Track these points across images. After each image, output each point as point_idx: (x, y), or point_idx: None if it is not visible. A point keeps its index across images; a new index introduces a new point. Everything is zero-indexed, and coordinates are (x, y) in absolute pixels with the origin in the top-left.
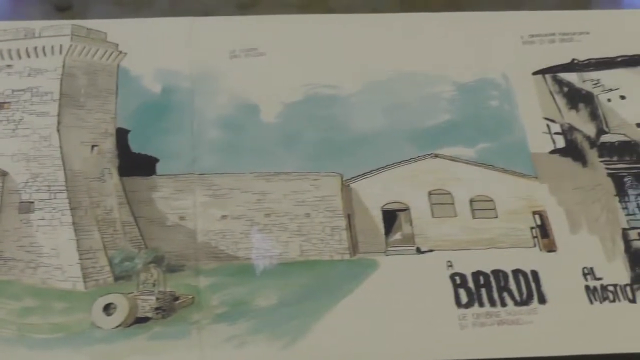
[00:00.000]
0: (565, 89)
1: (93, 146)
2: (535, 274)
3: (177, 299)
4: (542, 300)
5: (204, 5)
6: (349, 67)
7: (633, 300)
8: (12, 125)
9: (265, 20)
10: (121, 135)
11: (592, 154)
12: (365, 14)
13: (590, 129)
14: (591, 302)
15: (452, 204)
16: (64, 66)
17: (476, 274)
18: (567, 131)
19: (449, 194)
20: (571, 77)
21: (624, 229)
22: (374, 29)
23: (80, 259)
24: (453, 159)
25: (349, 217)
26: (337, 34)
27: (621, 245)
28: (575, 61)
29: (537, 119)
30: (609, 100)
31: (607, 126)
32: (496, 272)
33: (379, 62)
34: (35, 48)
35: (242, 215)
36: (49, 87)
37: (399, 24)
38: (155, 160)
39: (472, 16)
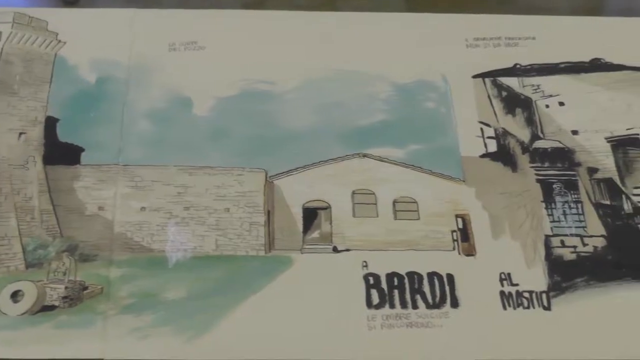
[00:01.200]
0: (504, 94)
1: (20, 134)
2: (451, 277)
3: (86, 288)
4: (454, 304)
5: (210, 3)
6: (289, 63)
7: (548, 308)
8: None
9: (208, 15)
10: (50, 124)
11: (523, 160)
12: (311, 11)
13: (524, 135)
14: (505, 308)
15: (375, 204)
16: (1, 53)
17: (391, 275)
18: (501, 136)
19: (373, 194)
20: (512, 81)
21: (547, 236)
22: (317, 26)
23: None
24: (381, 159)
25: (269, 214)
26: (280, 30)
27: (542, 252)
28: (518, 66)
29: (472, 123)
30: (547, 106)
31: (542, 132)
32: (411, 274)
33: (319, 60)
34: None
35: (160, 208)
36: None
37: (345, 22)
38: (81, 149)
39: (418, 17)
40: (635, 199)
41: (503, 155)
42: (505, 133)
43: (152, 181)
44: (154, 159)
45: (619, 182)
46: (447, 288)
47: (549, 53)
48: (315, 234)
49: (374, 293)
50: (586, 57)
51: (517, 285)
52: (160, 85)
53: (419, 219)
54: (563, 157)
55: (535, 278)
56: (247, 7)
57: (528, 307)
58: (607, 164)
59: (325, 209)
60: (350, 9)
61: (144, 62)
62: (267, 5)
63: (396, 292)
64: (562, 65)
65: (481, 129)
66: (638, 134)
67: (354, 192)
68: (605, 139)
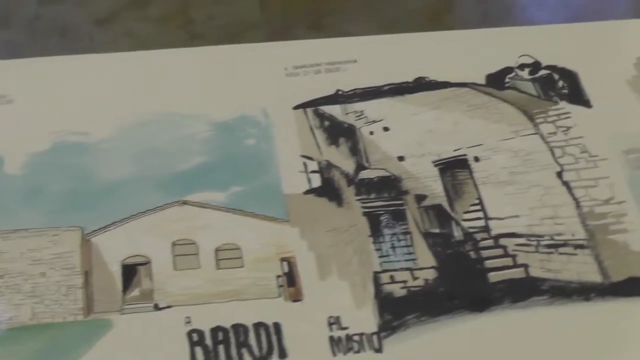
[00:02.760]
0: (327, 123)
1: None
2: (277, 326)
3: None
4: (282, 354)
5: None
6: (102, 110)
7: (379, 350)
8: None
9: (17, 65)
10: None
11: (349, 192)
12: (123, 52)
13: (349, 165)
14: (334, 354)
15: (197, 254)
16: None
17: (215, 330)
18: (325, 169)
19: (194, 243)
20: (335, 109)
21: (376, 272)
22: (132, 68)
23: None
24: (202, 205)
25: (87, 274)
26: (93, 75)
27: (372, 291)
28: (340, 92)
29: (294, 157)
30: (371, 132)
31: (367, 161)
32: (237, 327)
33: (135, 104)
34: None
35: None
36: None
37: (159, 60)
38: None
39: (234, 49)
40: (465, 224)
41: (328, 190)
42: (330, 165)
43: None
44: None
45: (448, 208)
46: (274, 338)
47: (372, 75)
48: (135, 292)
49: (199, 351)
50: (410, 77)
51: (346, 328)
52: None
53: (242, 266)
54: (390, 186)
55: (366, 319)
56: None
57: (359, 351)
58: (436, 189)
59: (145, 264)
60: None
61: None
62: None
63: (221, 347)
64: (386, 88)
65: (304, 163)
66: (466, 155)
67: (174, 244)
68: (433, 162)
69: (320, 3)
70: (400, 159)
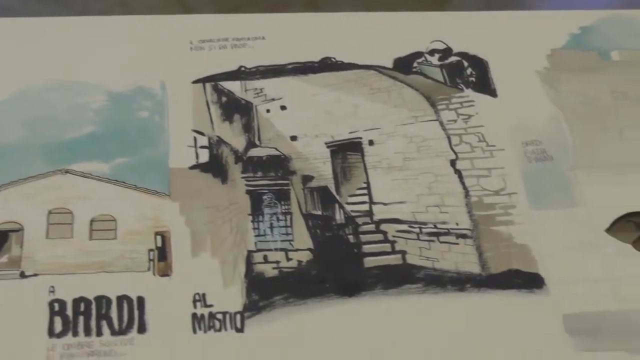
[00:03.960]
0: (224, 99)
1: None
2: (141, 300)
3: None
4: (142, 329)
5: None
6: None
7: (241, 330)
8: None
9: None
10: None
11: (235, 170)
12: (25, 18)
13: (240, 143)
14: (195, 332)
15: (71, 223)
16: None
17: (78, 301)
18: (215, 145)
19: (70, 212)
20: (235, 86)
21: (250, 252)
22: (32, 33)
23: None
24: (84, 175)
25: None
26: None
27: (243, 270)
28: (243, 68)
29: (186, 132)
30: (268, 111)
31: (259, 139)
32: (100, 299)
33: (33, 70)
34: None
35: None
36: None
37: (62, 28)
38: None
39: (140, 20)
40: (348, 208)
41: (214, 166)
42: (220, 142)
43: None
44: None
45: (333, 191)
46: (136, 312)
47: (279, 53)
48: (4, 259)
49: (58, 321)
50: (317, 57)
51: (211, 306)
52: None
53: (115, 238)
54: (278, 165)
55: (232, 298)
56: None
57: (220, 330)
58: (324, 171)
59: (17, 231)
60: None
61: None
62: None
63: (81, 318)
64: (290, 66)
65: (195, 138)
66: (360, 138)
67: (50, 212)
68: (326, 144)
69: None
70: (293, 138)
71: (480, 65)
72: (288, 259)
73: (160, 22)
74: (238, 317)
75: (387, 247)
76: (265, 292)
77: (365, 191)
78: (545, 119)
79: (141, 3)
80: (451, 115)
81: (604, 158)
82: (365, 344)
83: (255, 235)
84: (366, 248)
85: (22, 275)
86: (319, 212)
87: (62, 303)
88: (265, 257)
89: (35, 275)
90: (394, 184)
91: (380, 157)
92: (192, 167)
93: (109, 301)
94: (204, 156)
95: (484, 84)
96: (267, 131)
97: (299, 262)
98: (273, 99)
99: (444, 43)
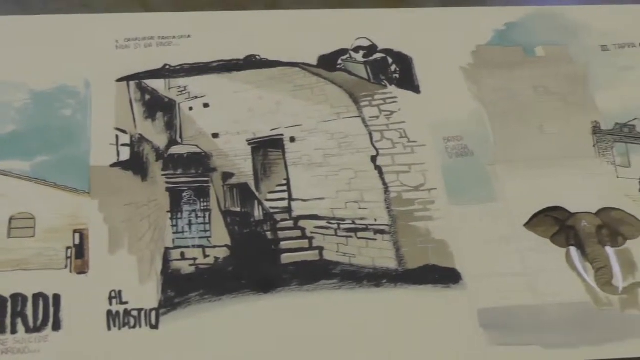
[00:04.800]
0: (147, 97)
1: None
2: (57, 297)
3: None
4: (56, 326)
5: None
6: None
7: (155, 327)
8: None
9: None
10: None
11: (156, 167)
12: None
13: (162, 140)
14: (109, 329)
15: None
16: None
17: None
18: (136, 143)
19: None
20: (159, 84)
21: (167, 249)
22: None
23: None
24: (4, 173)
25: None
26: None
27: (159, 267)
28: (167, 66)
29: (108, 130)
30: (190, 108)
31: (181, 137)
32: (16, 296)
33: None
34: None
35: None
36: None
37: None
38: None
39: (67, 19)
40: (267, 204)
41: (135, 164)
42: (142, 139)
43: None
44: None
45: (253, 187)
46: (51, 310)
47: (204, 51)
48: None
49: None
50: (242, 55)
51: (126, 303)
52: None
53: (33, 236)
54: (198, 162)
55: (148, 295)
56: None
57: (135, 327)
58: (244, 168)
59: None
60: None
61: None
62: None
63: None
64: (215, 64)
65: (117, 136)
66: (282, 135)
67: None
68: (247, 141)
69: None
70: (215, 136)
71: (404, 61)
72: (205, 256)
73: (86, 21)
74: (153, 313)
75: (304, 243)
76: (181, 288)
77: (284, 188)
78: (468, 114)
79: (103, 3)
80: (374, 111)
81: (525, 153)
82: (280, 340)
83: (174, 232)
84: (284, 244)
85: None
86: (238, 209)
87: None
88: (182, 254)
89: None
90: (314, 180)
91: (301, 154)
92: (113, 165)
93: (24, 299)
94: (125, 154)
95: (408, 81)
96: (189, 129)
97: (216, 258)
98: (196, 97)
99: (369, 40)
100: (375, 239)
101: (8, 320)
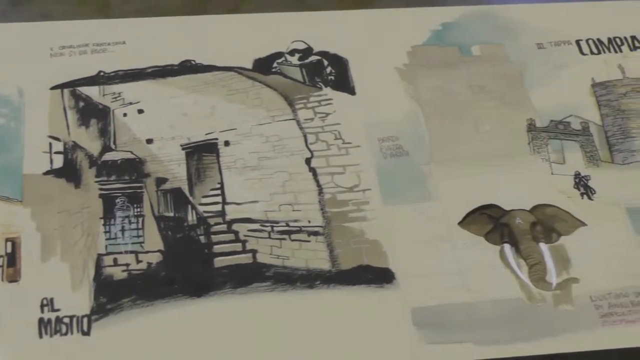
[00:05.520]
0: (81, 104)
1: None
2: None
3: None
4: None
5: None
6: None
7: (87, 333)
8: None
9: None
10: None
11: (89, 174)
12: None
13: (95, 147)
14: (41, 336)
15: None
16: None
17: None
18: (70, 150)
19: None
20: (93, 91)
21: (100, 255)
22: None
23: None
24: None
25: None
26: None
27: (92, 273)
28: (102, 73)
29: (42, 138)
30: (125, 114)
31: (114, 143)
32: None
33: None
34: None
35: None
36: None
37: None
38: None
39: (1, 28)
40: (201, 208)
41: (68, 171)
42: (75, 146)
43: None
44: None
45: (187, 192)
46: None
47: (139, 57)
48: None
49: None
50: (177, 60)
51: (58, 310)
52: None
53: None
54: (132, 168)
55: (80, 302)
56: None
57: (66, 334)
58: (178, 173)
59: None
60: None
61: None
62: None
63: None
64: (149, 70)
65: (50, 143)
66: (217, 139)
67: None
68: (181, 146)
69: None
70: (149, 141)
71: (340, 63)
72: (138, 261)
73: (21, 29)
74: (85, 320)
75: (238, 246)
76: (113, 294)
77: (218, 192)
78: (403, 115)
79: (63, 13)
80: (309, 113)
81: (460, 152)
82: (213, 343)
83: (107, 239)
84: (217, 248)
85: None
86: (172, 214)
87: None
88: (115, 260)
89: None
90: (248, 183)
91: (235, 158)
92: (46, 173)
93: None
94: (59, 162)
95: (343, 82)
96: (123, 135)
97: (149, 264)
98: (131, 103)
99: (305, 43)
100: (309, 241)
101: None
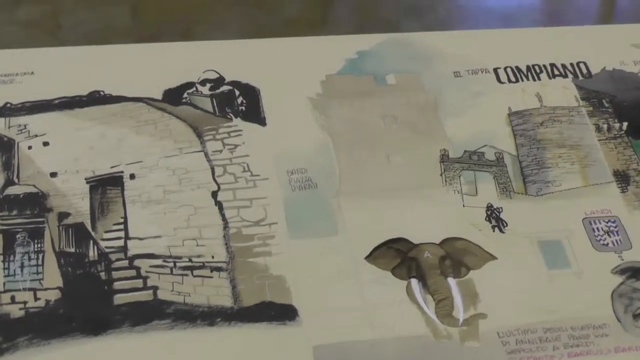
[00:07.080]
0: None
1: None
2: None
3: None
4: None
5: None
6: None
7: None
8: None
9: None
10: None
11: None
12: None
13: None
14: None
15: None
16: None
17: None
18: None
19: None
20: None
21: None
22: None
23: None
24: None
25: None
26: None
27: None
28: (8, 105)
29: None
30: (29, 147)
31: (17, 177)
32: None
33: None
34: None
35: None
36: None
37: None
38: None
39: None
40: (103, 244)
41: None
42: None
43: None
44: None
45: (89, 227)
46: None
47: (47, 88)
48: None
49: None
50: (86, 90)
51: None
52: None
53: None
54: (35, 203)
55: None
56: None
57: None
58: (82, 208)
59: None
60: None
61: None
62: None
63: None
64: (57, 101)
65: None
66: (122, 172)
67: None
68: (86, 179)
69: (193, 12)
70: (53, 175)
71: (252, 93)
72: (36, 299)
73: None
74: None
75: (138, 283)
76: (9, 333)
77: (121, 226)
78: (313, 146)
79: (15, 36)
80: (217, 145)
81: (370, 184)
82: None
83: (5, 276)
84: (117, 285)
85: None
86: (73, 250)
87: None
88: (12, 297)
89: None
90: (151, 217)
91: (140, 191)
92: None
93: None
94: None
95: (254, 113)
96: (27, 168)
97: (47, 301)
98: (36, 135)
99: (217, 72)
100: (212, 277)
101: None
